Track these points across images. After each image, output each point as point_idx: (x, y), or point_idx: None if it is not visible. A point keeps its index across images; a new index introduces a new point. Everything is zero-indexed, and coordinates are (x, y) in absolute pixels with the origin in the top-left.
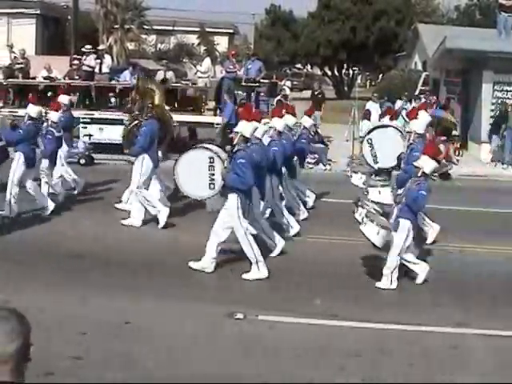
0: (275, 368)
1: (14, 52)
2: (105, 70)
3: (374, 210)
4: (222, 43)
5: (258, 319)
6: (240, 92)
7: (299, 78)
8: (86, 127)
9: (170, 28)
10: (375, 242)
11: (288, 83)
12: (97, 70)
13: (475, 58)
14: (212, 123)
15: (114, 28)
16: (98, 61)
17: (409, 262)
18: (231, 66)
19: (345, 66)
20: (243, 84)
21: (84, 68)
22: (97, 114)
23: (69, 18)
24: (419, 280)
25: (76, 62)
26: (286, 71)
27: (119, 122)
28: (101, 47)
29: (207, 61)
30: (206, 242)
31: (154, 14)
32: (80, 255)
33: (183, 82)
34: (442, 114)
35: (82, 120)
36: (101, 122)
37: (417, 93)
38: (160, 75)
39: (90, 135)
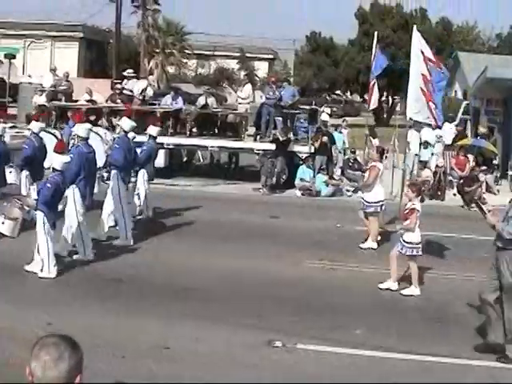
0: None
1: (57, 75)
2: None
3: None
4: (261, 69)
5: (296, 348)
6: (279, 118)
7: (338, 105)
8: None
9: (211, 53)
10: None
11: (327, 110)
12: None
13: None
14: (252, 149)
15: (156, 52)
16: (141, 86)
17: None
18: (271, 93)
19: (384, 93)
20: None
21: (125, 92)
22: (137, 138)
23: (111, 41)
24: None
25: (118, 85)
26: (325, 98)
27: (160, 145)
28: (151, 79)
29: (248, 87)
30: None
31: (195, 38)
32: (118, 279)
33: (223, 107)
34: (482, 143)
35: None
36: (141, 145)
37: (457, 122)
38: (201, 100)
39: None
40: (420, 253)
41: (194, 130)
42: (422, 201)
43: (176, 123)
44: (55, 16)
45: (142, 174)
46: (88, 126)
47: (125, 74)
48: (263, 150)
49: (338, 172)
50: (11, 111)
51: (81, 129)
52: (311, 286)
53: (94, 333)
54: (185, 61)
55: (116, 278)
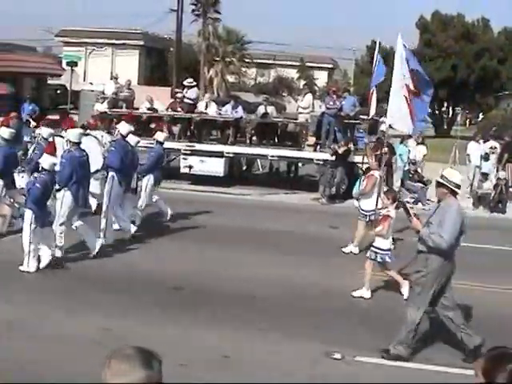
0: None
1: (118, 82)
2: (212, 113)
3: None
4: (321, 78)
5: (355, 360)
6: (340, 128)
7: None
8: (186, 158)
9: (271, 61)
10: None
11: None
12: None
13: None
14: (311, 159)
15: (215, 60)
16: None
17: None
18: (331, 102)
19: (445, 104)
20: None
21: (185, 100)
22: (197, 146)
23: (171, 49)
24: None
25: (179, 94)
26: (384, 108)
27: (220, 154)
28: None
29: (309, 96)
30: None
31: (255, 47)
32: (179, 287)
33: (283, 116)
34: None
35: (182, 151)
36: (201, 154)
37: None
38: (261, 109)
39: (190, 166)
40: (388, 259)
41: (254, 138)
42: (397, 208)
43: (236, 132)
44: (116, 24)
45: (148, 179)
46: (80, 130)
47: (185, 83)
48: (323, 160)
49: (397, 183)
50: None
51: (72, 134)
52: (370, 298)
53: (154, 341)
54: (244, 69)
55: (176, 286)
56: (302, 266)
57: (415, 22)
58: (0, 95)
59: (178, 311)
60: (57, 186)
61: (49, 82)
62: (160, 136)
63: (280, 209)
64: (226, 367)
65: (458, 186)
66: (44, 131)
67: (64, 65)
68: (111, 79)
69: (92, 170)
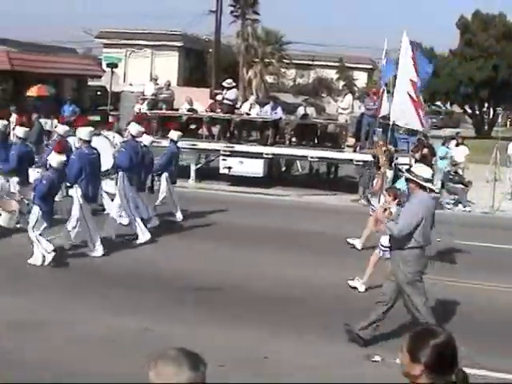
0: None
1: (158, 84)
2: (253, 114)
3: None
4: (360, 79)
5: (396, 362)
6: (379, 129)
7: (437, 116)
8: (225, 159)
9: (310, 62)
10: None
11: (428, 121)
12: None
13: None
14: (351, 160)
15: (254, 62)
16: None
17: None
18: (371, 103)
19: (486, 104)
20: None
21: (225, 101)
22: (237, 147)
23: (210, 50)
24: None
25: (219, 96)
26: (431, 108)
27: (259, 155)
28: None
29: (349, 97)
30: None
31: (294, 47)
32: (216, 288)
33: (323, 117)
34: None
35: (222, 152)
36: (241, 155)
37: None
38: (301, 110)
39: (229, 167)
40: (388, 256)
41: (293, 139)
42: (398, 204)
43: (275, 133)
44: (155, 25)
45: (165, 178)
46: (90, 129)
47: (224, 84)
48: (362, 161)
49: (438, 184)
50: (113, 119)
51: (83, 132)
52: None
53: (191, 341)
54: (283, 70)
55: (213, 287)
56: (343, 268)
57: (455, 22)
58: (41, 97)
59: (215, 311)
60: (67, 183)
61: (89, 83)
62: (174, 135)
63: (319, 210)
64: (266, 368)
65: (427, 180)
66: (60, 128)
67: (104, 66)
68: (151, 80)
69: (102, 169)
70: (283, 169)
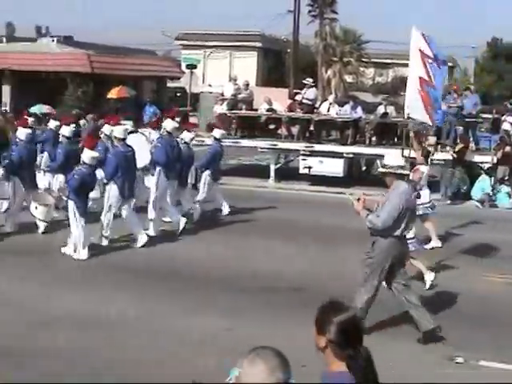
0: None
1: (237, 84)
2: (333, 114)
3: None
4: None
5: (480, 365)
6: (461, 127)
7: None
8: (305, 159)
9: (389, 61)
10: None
11: (510, 119)
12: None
13: None
14: (432, 159)
15: (333, 61)
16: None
17: None
18: (452, 101)
19: None
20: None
21: (304, 101)
22: (317, 147)
23: (288, 51)
24: None
25: (298, 96)
26: (506, 106)
27: (339, 154)
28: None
29: None
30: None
31: (373, 46)
32: (298, 288)
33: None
34: None
35: (301, 152)
36: (321, 155)
37: None
38: (381, 109)
39: (309, 167)
40: (413, 247)
41: (373, 139)
42: (417, 197)
43: (355, 132)
44: (233, 26)
45: (206, 175)
46: (125, 127)
47: (304, 81)
48: (443, 160)
49: None
50: (192, 120)
51: (117, 130)
52: (491, 301)
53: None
54: (362, 69)
55: (295, 287)
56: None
57: None
58: (122, 98)
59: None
60: (104, 180)
61: (168, 84)
62: (217, 133)
63: None
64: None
65: (402, 167)
66: (106, 128)
67: (183, 68)
68: (230, 81)
69: (140, 165)
70: (363, 168)
